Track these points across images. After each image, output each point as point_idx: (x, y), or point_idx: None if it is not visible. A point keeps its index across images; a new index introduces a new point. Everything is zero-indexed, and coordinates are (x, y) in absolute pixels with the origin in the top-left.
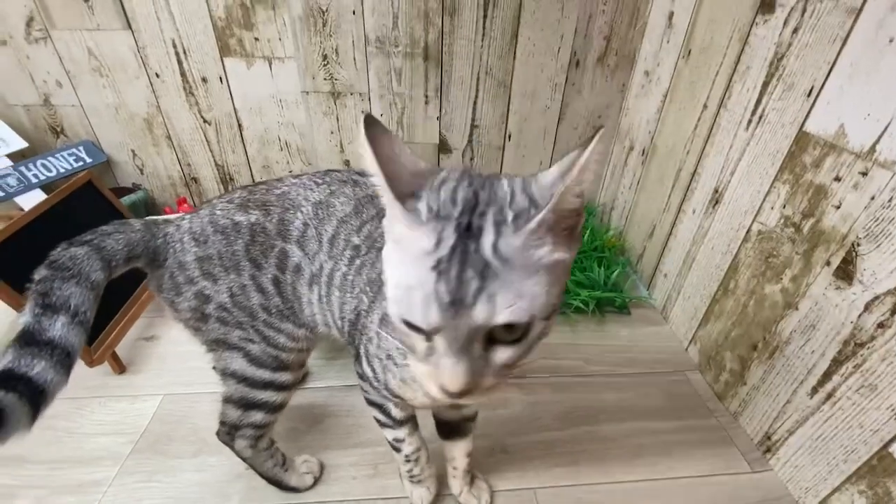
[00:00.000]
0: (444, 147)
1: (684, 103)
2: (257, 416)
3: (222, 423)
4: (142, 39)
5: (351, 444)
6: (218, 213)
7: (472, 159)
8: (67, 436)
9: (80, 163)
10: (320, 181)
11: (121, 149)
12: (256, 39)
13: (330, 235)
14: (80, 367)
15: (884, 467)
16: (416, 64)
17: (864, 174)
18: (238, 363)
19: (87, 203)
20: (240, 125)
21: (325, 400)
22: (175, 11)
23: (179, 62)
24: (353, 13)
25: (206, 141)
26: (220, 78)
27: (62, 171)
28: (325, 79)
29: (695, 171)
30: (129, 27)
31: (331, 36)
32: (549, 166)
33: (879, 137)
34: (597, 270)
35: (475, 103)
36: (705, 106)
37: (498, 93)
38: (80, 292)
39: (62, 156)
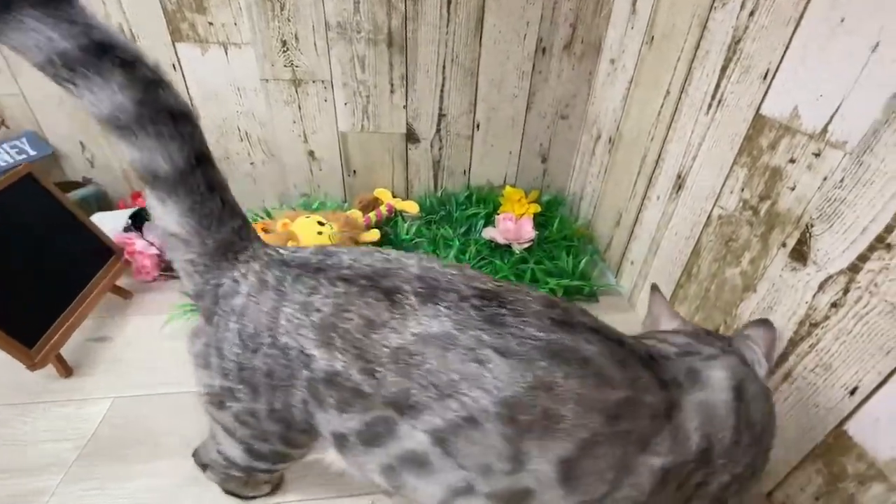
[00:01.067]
0: (411, 137)
1: (648, 90)
2: (239, 474)
3: (199, 452)
4: None
5: None
6: (284, 322)
7: (440, 149)
8: (7, 444)
9: (24, 156)
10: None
11: (68, 141)
12: (210, 24)
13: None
14: (21, 371)
15: (839, 445)
16: (380, 51)
17: (817, 155)
18: (236, 452)
19: (26, 199)
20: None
21: None
22: None
23: None
24: None
25: None
26: (174, 65)
27: (3, 164)
28: (284, 66)
29: (658, 157)
30: None
31: (289, 21)
32: (519, 157)
33: (831, 118)
34: (565, 259)
35: (442, 91)
36: (668, 92)
37: (465, 81)
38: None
39: (3, 148)
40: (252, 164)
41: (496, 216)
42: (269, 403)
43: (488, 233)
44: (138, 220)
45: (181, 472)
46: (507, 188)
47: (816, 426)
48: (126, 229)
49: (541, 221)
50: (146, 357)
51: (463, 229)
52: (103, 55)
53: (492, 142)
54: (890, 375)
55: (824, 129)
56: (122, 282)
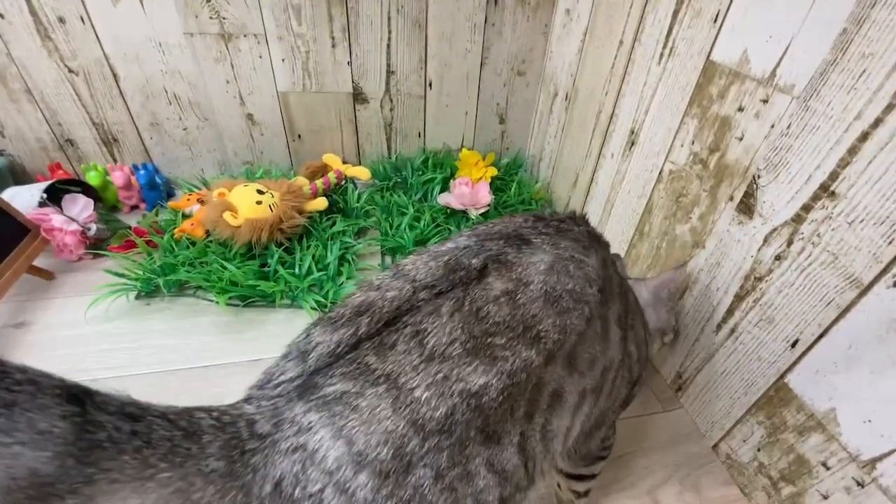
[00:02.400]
0: (359, 97)
1: (602, 41)
2: None
3: None
4: None
5: None
6: (423, 394)
7: (391, 110)
8: None
9: None
10: None
11: None
12: None
13: None
14: None
15: (780, 397)
16: (317, 1)
17: (765, 101)
18: None
19: None
20: (115, 75)
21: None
22: None
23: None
24: None
25: (77, 95)
26: (81, 18)
27: None
28: (210, 18)
29: (613, 112)
30: None
31: None
32: (475, 117)
33: (780, 60)
34: None
35: (389, 46)
36: (621, 42)
37: (413, 34)
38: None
39: None
40: (185, 129)
41: (452, 181)
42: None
43: (444, 199)
44: (57, 195)
45: None
46: (464, 151)
47: (759, 380)
48: (41, 204)
49: (499, 185)
50: (68, 342)
51: (419, 195)
52: None
53: (446, 102)
54: (830, 327)
55: (773, 73)
56: (42, 262)
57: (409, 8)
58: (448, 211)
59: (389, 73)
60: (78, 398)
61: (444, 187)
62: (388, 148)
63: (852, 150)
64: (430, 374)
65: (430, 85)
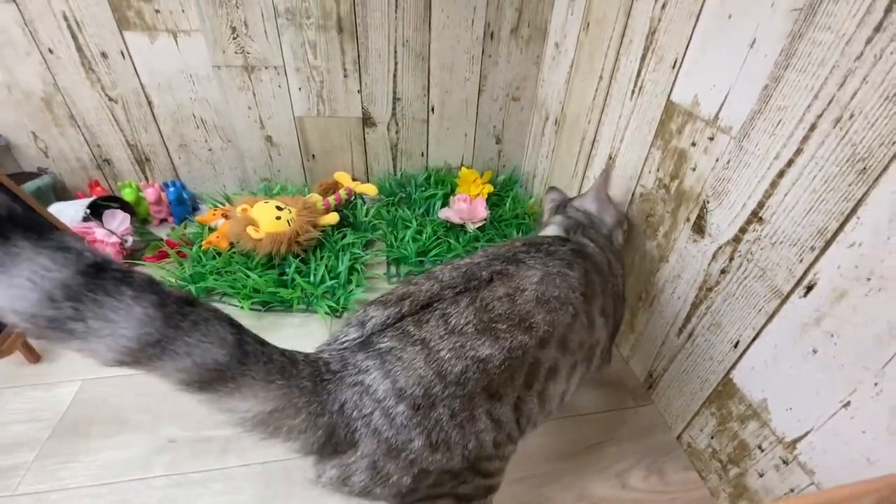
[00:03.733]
0: (368, 121)
1: (585, 74)
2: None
3: None
4: (28, 12)
5: None
6: (447, 355)
7: (397, 132)
8: None
9: None
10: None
11: (19, 131)
12: (157, 11)
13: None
14: None
15: (727, 391)
16: (331, 37)
17: (711, 139)
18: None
19: None
20: (149, 102)
21: None
22: None
23: (74, 37)
24: None
25: (115, 120)
26: (122, 53)
27: None
28: (236, 52)
29: (594, 139)
30: None
31: (237, 7)
32: (474, 138)
33: (721, 105)
34: (516, 236)
35: (395, 76)
36: (601, 77)
37: (417, 65)
38: None
39: None
40: (210, 150)
41: (452, 197)
42: (471, 433)
43: (444, 213)
44: (98, 210)
45: (150, 444)
46: (463, 169)
47: (710, 376)
48: (85, 219)
49: (495, 201)
50: None
51: (421, 210)
52: (103, 273)
53: (447, 125)
54: (761, 330)
55: (716, 116)
56: None
57: (414, 43)
58: (448, 225)
59: (395, 99)
60: (236, 324)
61: (445, 202)
62: (394, 166)
63: (773, 184)
64: (452, 342)
65: (433, 110)
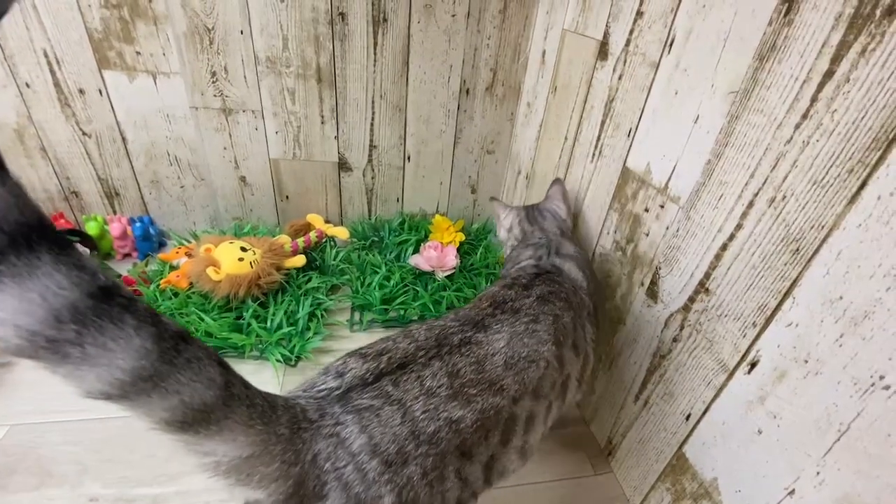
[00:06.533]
0: (343, 166)
1: (552, 134)
2: None
3: None
4: (8, 48)
5: None
6: (421, 414)
7: (373, 178)
8: None
9: None
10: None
11: None
12: (138, 53)
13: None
14: None
15: (680, 466)
16: (310, 85)
17: (662, 207)
18: None
19: None
20: (124, 138)
21: None
22: (46, 21)
23: (52, 72)
24: (241, 33)
25: (87, 154)
26: (100, 90)
27: None
28: (214, 95)
29: None
30: None
31: (219, 54)
32: (449, 187)
33: (671, 175)
34: (484, 286)
35: (372, 125)
36: (566, 138)
37: (394, 116)
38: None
39: None
40: (182, 187)
41: (423, 244)
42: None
43: (413, 260)
44: None
45: (69, 500)
46: (437, 217)
47: (665, 449)
48: None
49: (467, 249)
50: (46, 382)
51: (393, 255)
52: (111, 298)
53: (423, 173)
54: (710, 404)
55: (666, 185)
56: None
57: (391, 95)
58: (417, 272)
59: (372, 147)
60: (224, 364)
61: (417, 248)
62: (369, 210)
63: (717, 256)
64: (427, 403)
65: (409, 158)
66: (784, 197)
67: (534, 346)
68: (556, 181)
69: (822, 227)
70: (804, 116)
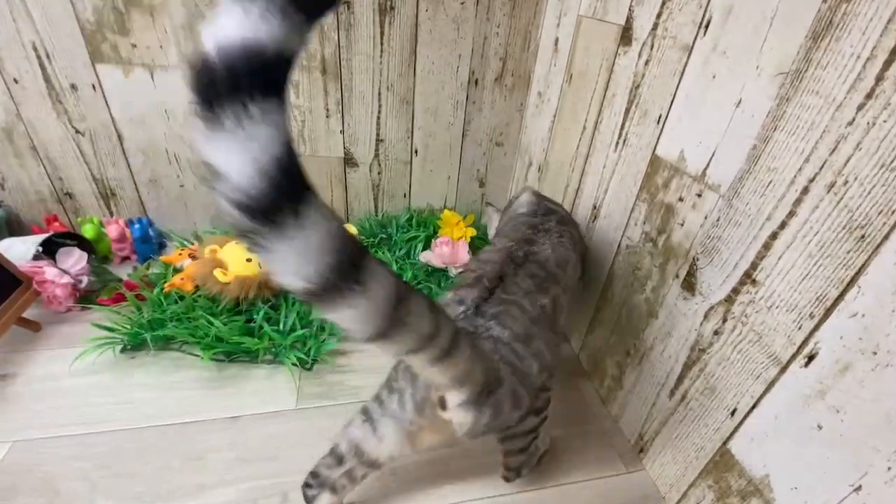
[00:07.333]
0: (349, 161)
1: (568, 124)
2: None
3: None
4: None
5: (231, 479)
6: (527, 305)
7: (379, 173)
8: None
9: None
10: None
11: None
12: (134, 46)
13: None
14: None
15: (724, 462)
16: (314, 77)
17: (699, 195)
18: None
19: None
20: (119, 136)
21: (200, 434)
22: (34, 13)
23: (42, 67)
24: None
25: (81, 153)
26: (93, 85)
27: None
28: None
29: (578, 187)
30: None
31: None
32: (457, 181)
33: (709, 163)
34: None
35: (379, 118)
36: (584, 128)
37: (401, 108)
38: None
39: None
40: (182, 186)
41: (434, 240)
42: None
43: (425, 256)
44: (53, 247)
45: None
46: (446, 212)
47: (706, 445)
48: (36, 257)
49: (478, 244)
50: (52, 394)
51: (402, 252)
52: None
53: (430, 167)
54: (760, 399)
55: (704, 173)
56: (29, 313)
57: (398, 87)
58: (429, 268)
59: (378, 141)
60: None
61: (427, 245)
62: (376, 207)
63: (766, 246)
64: (528, 299)
65: (416, 152)
66: (846, 182)
67: (563, 252)
68: (525, 189)
69: (893, 212)
70: (868, 96)
